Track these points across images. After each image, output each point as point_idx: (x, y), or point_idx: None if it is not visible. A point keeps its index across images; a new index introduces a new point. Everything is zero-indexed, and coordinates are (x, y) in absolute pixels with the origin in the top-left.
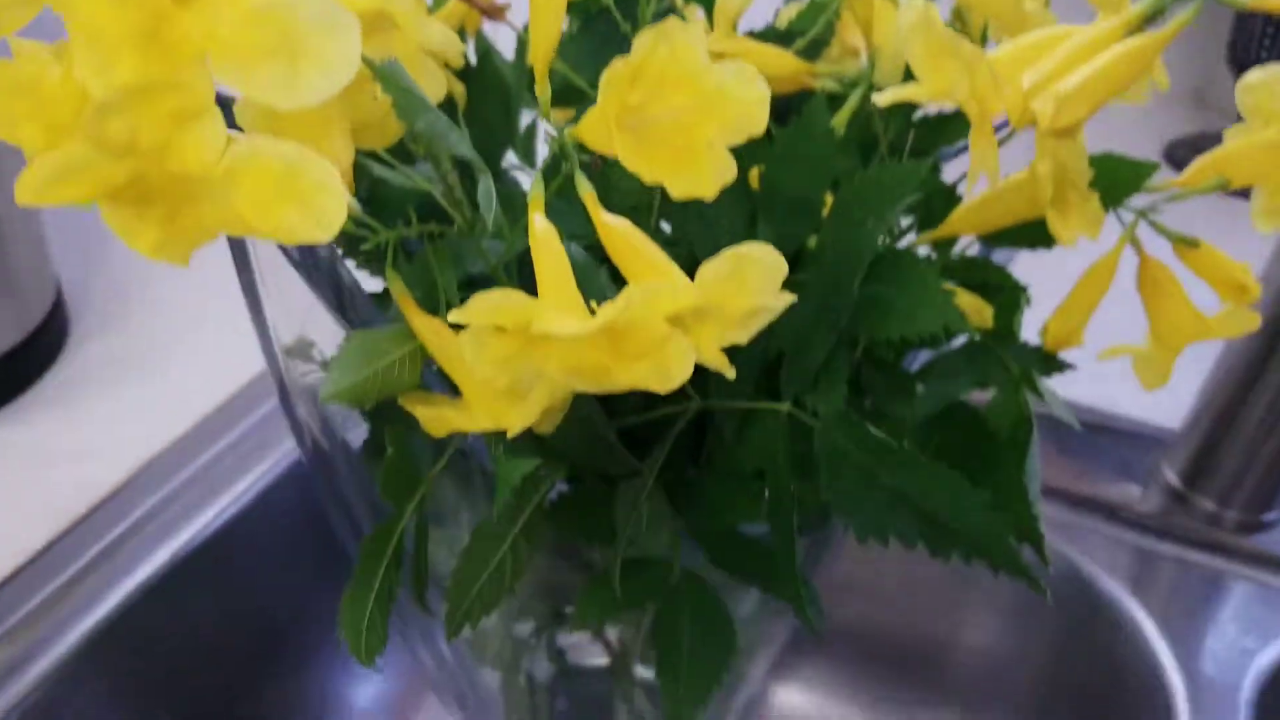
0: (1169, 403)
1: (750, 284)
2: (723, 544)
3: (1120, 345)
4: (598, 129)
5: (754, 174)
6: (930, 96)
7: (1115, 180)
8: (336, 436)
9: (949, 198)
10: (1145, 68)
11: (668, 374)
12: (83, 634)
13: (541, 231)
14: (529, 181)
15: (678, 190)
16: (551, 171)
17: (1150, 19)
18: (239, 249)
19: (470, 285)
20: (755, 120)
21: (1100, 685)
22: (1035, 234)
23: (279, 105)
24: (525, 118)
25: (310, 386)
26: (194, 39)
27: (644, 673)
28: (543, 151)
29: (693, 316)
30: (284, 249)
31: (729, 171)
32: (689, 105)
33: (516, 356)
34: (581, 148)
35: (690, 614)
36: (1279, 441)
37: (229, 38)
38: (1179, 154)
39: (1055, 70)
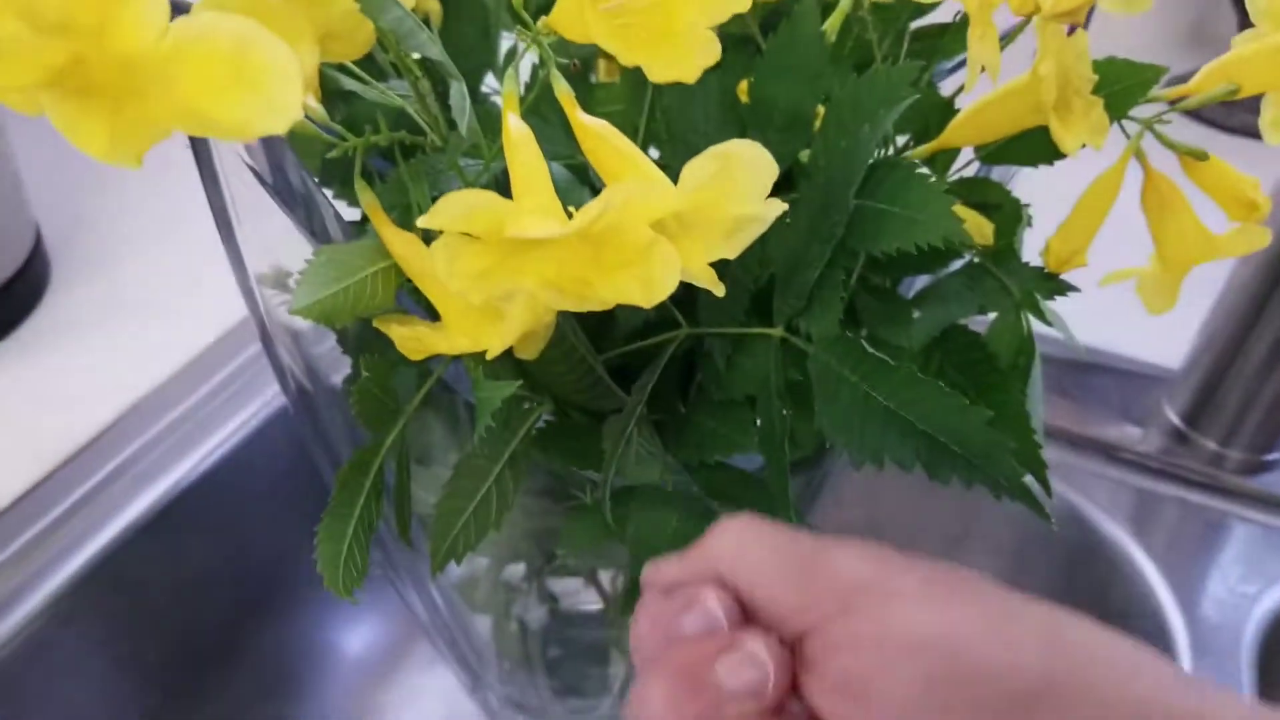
0: (1169, 342)
1: (738, 186)
2: (714, 477)
3: (1125, 269)
4: (572, 14)
5: (743, 87)
6: None
7: (1120, 86)
8: (320, 378)
9: (945, 111)
10: None
11: (652, 284)
12: (68, 577)
13: (516, 133)
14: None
15: (659, 73)
16: (529, 86)
17: None
18: (209, 173)
19: None
20: None
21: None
22: (1036, 148)
23: None
24: (505, 42)
25: (292, 327)
26: None
27: None
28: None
29: (677, 224)
30: (258, 174)
31: (712, 52)
32: None
33: (492, 268)
34: (560, 46)
35: (677, 513)
36: None
37: None
38: None
39: None
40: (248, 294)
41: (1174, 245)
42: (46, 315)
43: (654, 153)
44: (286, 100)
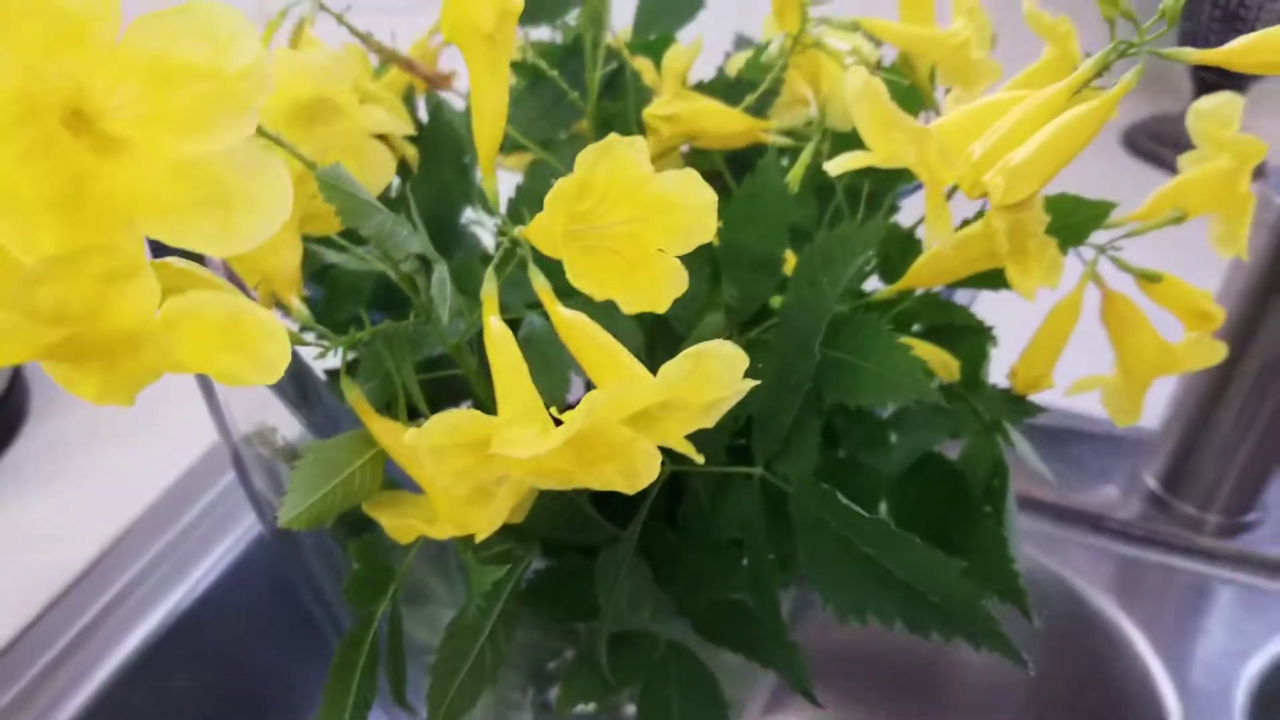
0: (1151, 406)
1: (712, 379)
2: (706, 613)
3: (1089, 376)
4: (546, 232)
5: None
6: (881, 163)
7: (1072, 220)
8: None
9: (907, 243)
10: (1094, 133)
11: (635, 475)
12: None
13: (497, 335)
14: (486, 236)
15: (630, 305)
16: (505, 256)
17: (1096, 76)
18: None
19: (430, 365)
20: (703, 226)
21: (1093, 698)
22: (996, 278)
23: (213, 254)
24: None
25: (267, 460)
26: (119, 196)
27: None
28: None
29: (658, 409)
30: None
31: (680, 282)
32: (635, 215)
33: (477, 467)
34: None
35: (679, 689)
36: (1255, 441)
37: (156, 193)
38: (1137, 139)
39: (1004, 139)
40: (224, 431)
41: (1136, 359)
42: (26, 446)
43: None
44: (275, 358)
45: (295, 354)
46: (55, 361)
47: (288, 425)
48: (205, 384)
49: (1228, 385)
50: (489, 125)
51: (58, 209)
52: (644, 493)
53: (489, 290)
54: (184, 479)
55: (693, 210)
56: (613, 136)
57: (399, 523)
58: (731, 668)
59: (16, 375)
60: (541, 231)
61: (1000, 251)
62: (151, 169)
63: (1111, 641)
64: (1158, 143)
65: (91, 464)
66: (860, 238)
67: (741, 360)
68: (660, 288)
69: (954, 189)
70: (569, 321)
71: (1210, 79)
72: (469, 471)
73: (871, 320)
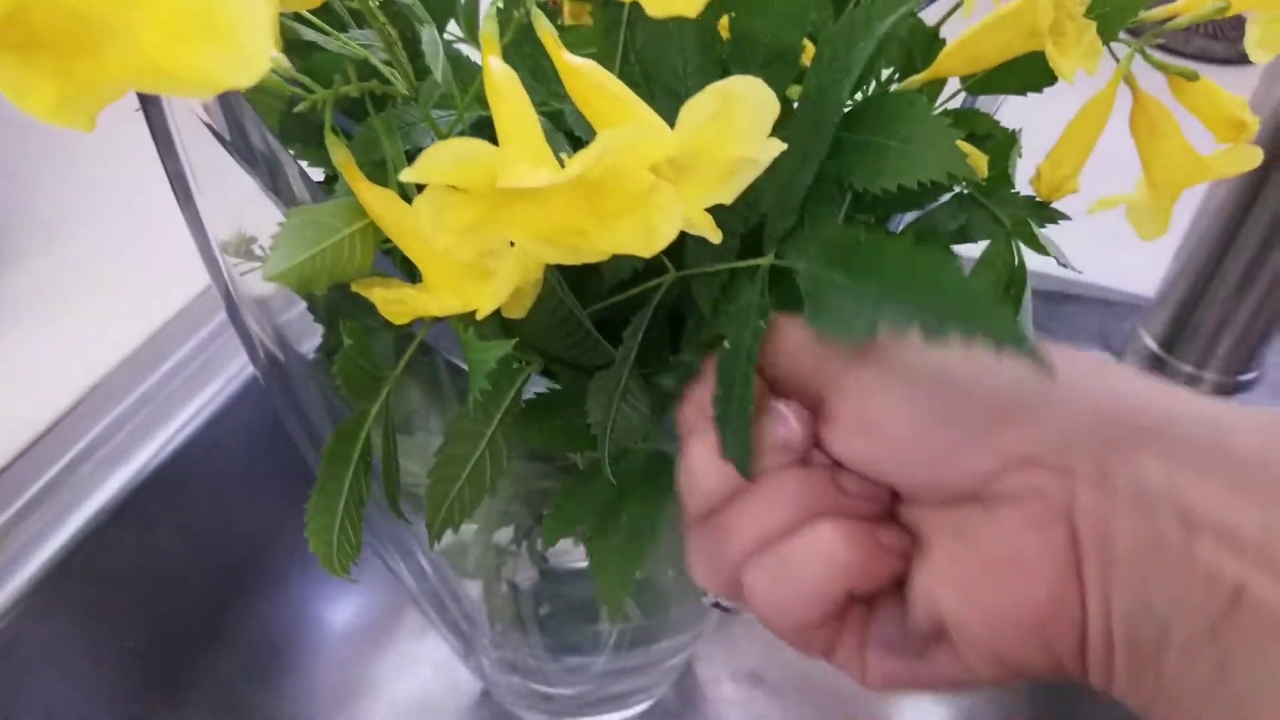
0: (1143, 272)
1: (738, 126)
2: None
3: (1112, 195)
4: None
5: (723, 22)
6: None
7: (1109, 7)
8: (290, 346)
9: (931, 41)
10: None
11: (652, 232)
12: (37, 569)
13: (500, 76)
14: (475, 56)
15: (657, 7)
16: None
17: None
18: (163, 137)
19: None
20: None
21: None
22: (1025, 75)
23: None
24: None
25: (258, 295)
26: None
27: None
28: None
29: (673, 170)
30: (216, 133)
31: None
32: None
33: (481, 221)
34: None
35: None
36: (1256, 301)
37: None
38: None
39: None
40: (210, 261)
41: (1164, 168)
42: None
43: None
44: (256, 50)
45: (267, 134)
46: (5, 52)
47: (266, 235)
48: (181, 185)
49: (1232, 242)
50: None
51: None
52: (642, 307)
53: (489, 30)
54: (160, 332)
55: None
56: None
57: (393, 297)
58: None
59: None
60: None
61: (1042, 26)
62: None
63: None
64: None
65: (63, 313)
66: (888, 11)
67: (772, 105)
68: None
69: None
70: (576, 68)
71: None
72: (472, 228)
73: (898, 95)
